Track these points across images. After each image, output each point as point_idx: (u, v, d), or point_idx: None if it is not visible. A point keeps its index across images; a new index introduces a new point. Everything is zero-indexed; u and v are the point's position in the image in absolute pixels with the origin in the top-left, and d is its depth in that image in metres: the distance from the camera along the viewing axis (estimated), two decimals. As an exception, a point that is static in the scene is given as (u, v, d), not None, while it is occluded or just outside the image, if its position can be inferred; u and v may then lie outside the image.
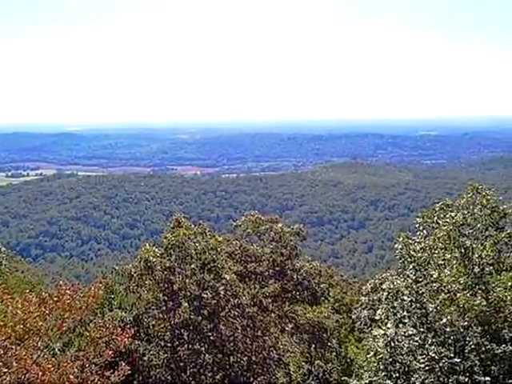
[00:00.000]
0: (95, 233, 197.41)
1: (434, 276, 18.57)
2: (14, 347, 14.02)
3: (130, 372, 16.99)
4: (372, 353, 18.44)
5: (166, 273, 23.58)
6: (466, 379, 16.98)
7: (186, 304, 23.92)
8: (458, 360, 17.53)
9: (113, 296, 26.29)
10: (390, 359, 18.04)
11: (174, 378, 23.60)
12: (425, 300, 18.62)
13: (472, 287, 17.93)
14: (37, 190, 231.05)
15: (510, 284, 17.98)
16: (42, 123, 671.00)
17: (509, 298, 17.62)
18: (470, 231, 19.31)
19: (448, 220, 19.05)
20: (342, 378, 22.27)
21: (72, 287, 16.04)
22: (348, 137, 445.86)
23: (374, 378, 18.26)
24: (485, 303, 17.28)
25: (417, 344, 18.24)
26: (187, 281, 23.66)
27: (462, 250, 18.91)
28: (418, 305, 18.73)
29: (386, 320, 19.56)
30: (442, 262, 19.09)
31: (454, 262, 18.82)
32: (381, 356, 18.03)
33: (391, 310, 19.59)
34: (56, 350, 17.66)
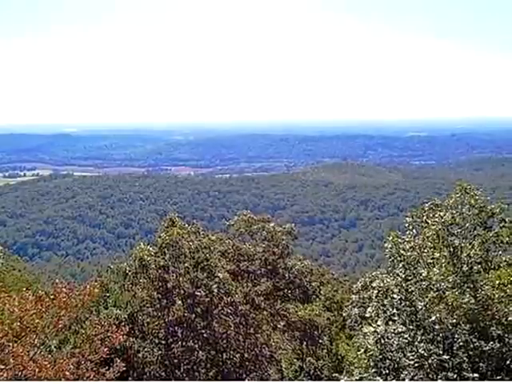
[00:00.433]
0: (91, 232, 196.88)
1: (423, 274, 18.60)
2: (11, 344, 14.04)
3: (124, 368, 17.07)
4: (362, 350, 18.40)
5: (160, 271, 23.52)
6: (455, 375, 17.02)
7: (180, 302, 23.85)
8: (447, 357, 17.56)
9: (108, 294, 26.17)
10: (380, 356, 18.01)
11: (168, 375, 23.54)
12: (414, 298, 18.63)
13: (460, 285, 17.98)
14: (33, 190, 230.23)
15: (497, 282, 18.03)
16: (39, 124, 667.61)
17: (496, 296, 17.67)
18: (459, 230, 19.35)
19: (437, 219, 19.09)
20: (333, 375, 22.31)
21: (68, 286, 16.10)
22: (339, 138, 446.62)
23: (365, 375, 18.21)
24: (473, 301, 17.32)
25: (406, 341, 18.22)
26: (181, 279, 23.61)
27: (451, 249, 18.95)
28: (407, 303, 18.75)
29: (376, 318, 19.56)
30: (431, 261, 19.11)
31: (443, 260, 18.86)
32: (371, 353, 18.01)
33: (381, 307, 19.60)
34: (52, 347, 17.58)
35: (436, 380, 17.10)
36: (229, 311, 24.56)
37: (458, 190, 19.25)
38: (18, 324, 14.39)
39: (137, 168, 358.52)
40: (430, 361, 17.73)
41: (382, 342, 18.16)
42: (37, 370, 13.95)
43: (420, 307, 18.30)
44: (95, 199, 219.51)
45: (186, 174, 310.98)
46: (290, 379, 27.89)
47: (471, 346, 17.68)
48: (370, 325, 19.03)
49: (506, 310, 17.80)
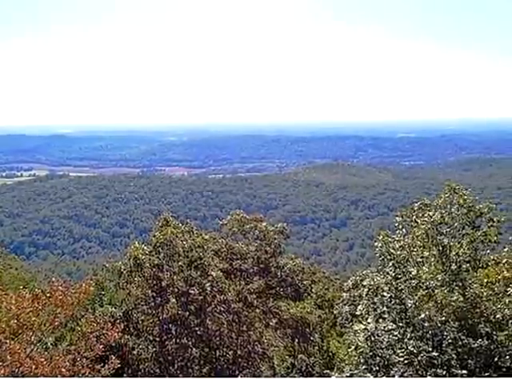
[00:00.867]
0: (86, 231, 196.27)
1: (413, 273, 18.64)
2: (8, 341, 14.07)
3: (119, 365, 16.98)
4: (353, 347, 18.41)
5: (154, 270, 23.48)
6: (444, 372, 17.08)
7: (174, 300, 23.82)
8: (436, 354, 17.63)
9: (103, 292, 26.11)
10: (371, 353, 18.03)
11: (162, 371, 23.50)
12: (404, 296, 18.68)
13: (449, 284, 18.03)
14: (30, 190, 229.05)
15: (485, 280, 18.12)
16: (36, 125, 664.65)
17: (485, 294, 17.74)
18: (448, 230, 19.40)
19: (426, 219, 19.12)
20: (324, 372, 22.34)
21: (64, 284, 16.10)
22: (330, 139, 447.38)
23: (355, 371, 18.20)
24: (461, 299, 17.39)
25: (396, 338, 18.28)
26: (175, 277, 23.57)
27: (440, 248, 18.99)
28: (397, 301, 18.79)
29: (366, 315, 19.60)
30: (421, 260, 19.16)
31: (432, 259, 18.91)
32: (361, 350, 18.03)
33: (371, 305, 19.63)
34: (48, 344, 17.67)
35: (425, 377, 17.15)
36: (222, 309, 24.54)
37: (447, 190, 19.30)
38: (15, 322, 14.37)
39: (132, 168, 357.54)
40: (419, 358, 17.79)
41: (372, 339, 18.18)
42: (33, 366, 13.98)
43: (410, 305, 18.33)
44: (90, 199, 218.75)
45: (179, 175, 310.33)
46: (281, 376, 27.89)
47: (460, 343, 17.74)
48: (361, 322, 19.06)
49: (494, 307, 17.88)
